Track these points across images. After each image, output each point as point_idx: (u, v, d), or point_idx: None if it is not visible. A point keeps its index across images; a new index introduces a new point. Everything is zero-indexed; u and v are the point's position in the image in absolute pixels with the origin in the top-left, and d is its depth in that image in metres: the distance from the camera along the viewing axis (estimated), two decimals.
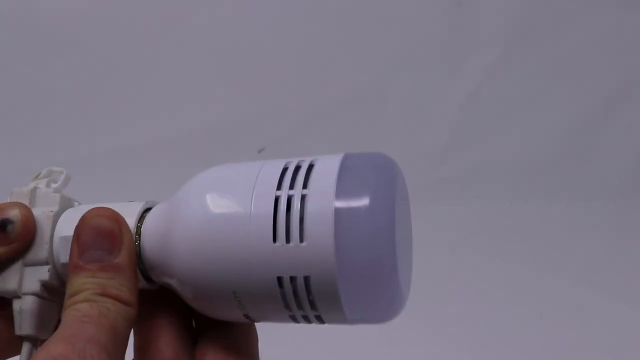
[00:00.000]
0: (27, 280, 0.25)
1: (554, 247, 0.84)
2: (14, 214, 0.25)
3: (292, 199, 0.21)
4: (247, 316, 0.23)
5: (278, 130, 1.01)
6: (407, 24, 1.05)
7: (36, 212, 0.26)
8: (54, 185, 0.27)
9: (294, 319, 0.22)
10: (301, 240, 0.21)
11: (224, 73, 1.02)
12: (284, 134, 1.00)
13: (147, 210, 0.25)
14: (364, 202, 0.20)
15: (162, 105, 1.00)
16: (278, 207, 0.21)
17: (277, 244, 0.21)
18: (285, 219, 0.21)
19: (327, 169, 0.22)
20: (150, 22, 1.00)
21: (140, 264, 0.24)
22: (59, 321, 0.27)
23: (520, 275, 0.74)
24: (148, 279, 0.25)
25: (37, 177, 0.28)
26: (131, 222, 0.24)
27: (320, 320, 0.22)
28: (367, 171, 0.22)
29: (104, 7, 0.99)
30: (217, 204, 0.22)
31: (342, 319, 0.22)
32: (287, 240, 0.21)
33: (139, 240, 0.24)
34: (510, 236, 0.87)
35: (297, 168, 0.22)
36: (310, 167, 0.22)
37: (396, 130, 1.06)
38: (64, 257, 0.25)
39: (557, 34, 1.07)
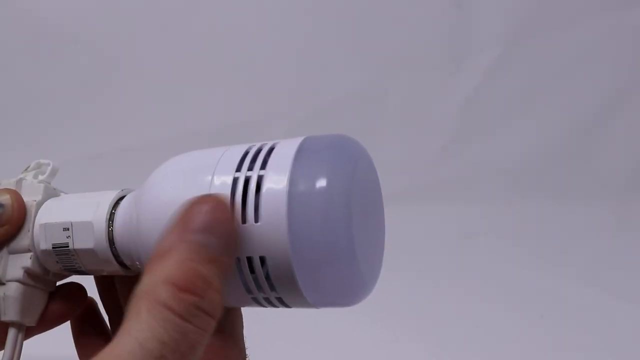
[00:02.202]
0: (11, 267, 0.26)
1: (554, 247, 0.84)
2: (3, 198, 0.26)
3: (250, 180, 0.21)
4: None
5: (278, 131, 1.01)
6: (407, 24, 1.05)
7: None
8: (41, 177, 0.28)
9: (258, 302, 0.22)
10: (256, 220, 0.20)
11: (223, 73, 1.01)
12: (284, 134, 1.00)
13: (123, 198, 0.26)
14: (318, 183, 0.20)
15: (162, 105, 1.00)
16: (236, 188, 0.21)
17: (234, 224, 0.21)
18: (242, 200, 0.21)
19: (285, 151, 0.21)
20: (150, 22, 1.00)
21: (113, 250, 0.25)
22: (44, 307, 0.28)
23: (520, 275, 0.74)
24: (122, 264, 0.26)
25: (26, 169, 0.29)
26: (105, 208, 0.25)
27: (283, 303, 0.22)
28: (324, 153, 0.21)
29: (102, 6, 0.99)
30: (178, 187, 0.22)
31: (304, 302, 0.21)
32: (244, 220, 0.21)
33: (112, 226, 0.25)
34: (510, 236, 0.87)
35: (259, 151, 0.22)
36: (271, 150, 0.22)
37: (396, 130, 1.06)
38: (43, 244, 0.26)
39: (557, 34, 1.07)
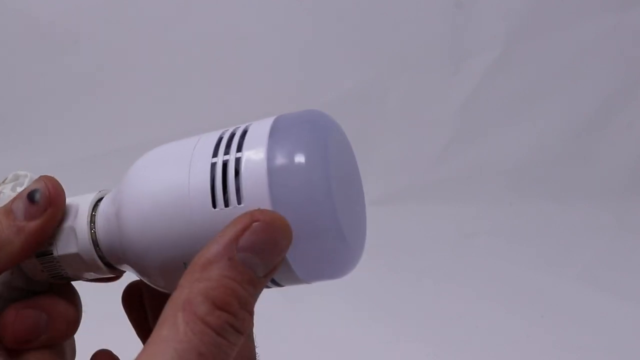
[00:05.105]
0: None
1: (554, 247, 0.84)
2: (38, 184, 0.25)
3: (228, 164, 0.21)
4: None
5: None
6: (407, 24, 1.05)
7: None
8: (19, 189, 0.27)
9: None
10: (239, 202, 0.21)
11: (223, 73, 1.01)
12: None
13: (102, 199, 0.26)
14: (296, 158, 0.20)
15: (161, 105, 1.00)
16: (215, 173, 0.21)
17: (217, 209, 0.21)
18: (222, 184, 0.21)
19: (259, 131, 0.22)
20: (150, 22, 1.00)
21: (98, 251, 0.25)
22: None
23: (520, 275, 0.74)
24: (108, 265, 0.25)
25: (3, 182, 0.28)
26: (85, 211, 0.25)
27: (274, 282, 0.22)
28: (298, 128, 0.22)
29: (102, 7, 0.99)
30: (157, 179, 0.22)
31: (294, 277, 0.21)
32: (226, 204, 0.21)
33: (94, 228, 0.25)
34: (510, 236, 0.87)
35: (233, 135, 0.22)
36: (245, 132, 0.22)
37: (396, 130, 1.06)
38: None
39: (557, 34, 1.07)
